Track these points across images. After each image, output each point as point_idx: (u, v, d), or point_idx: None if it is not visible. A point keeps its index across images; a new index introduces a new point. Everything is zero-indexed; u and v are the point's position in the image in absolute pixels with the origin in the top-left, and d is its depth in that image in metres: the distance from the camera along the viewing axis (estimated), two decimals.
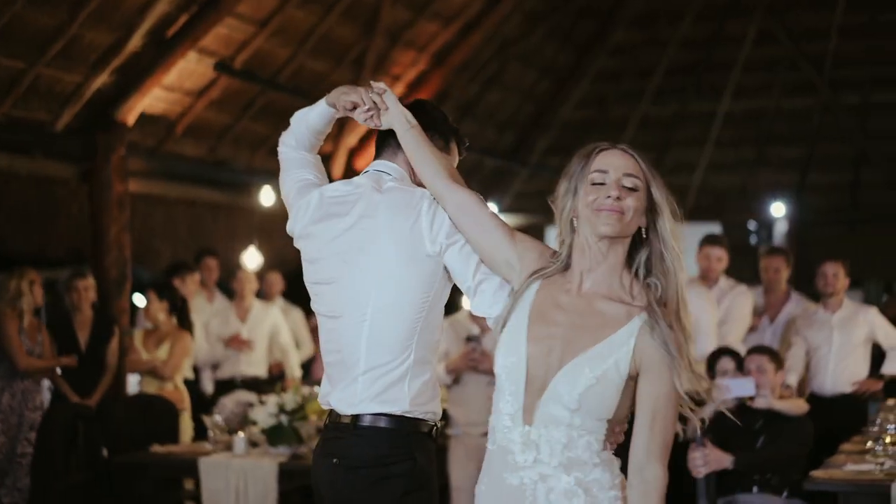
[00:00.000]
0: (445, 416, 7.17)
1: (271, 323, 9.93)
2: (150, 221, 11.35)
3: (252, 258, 9.75)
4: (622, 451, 3.18)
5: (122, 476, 7.81)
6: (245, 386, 9.48)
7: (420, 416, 3.56)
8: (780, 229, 14.90)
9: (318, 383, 8.17)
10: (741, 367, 6.93)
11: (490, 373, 6.95)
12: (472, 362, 7.17)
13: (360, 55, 11.97)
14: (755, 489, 6.44)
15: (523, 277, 3.25)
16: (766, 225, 15.25)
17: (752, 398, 6.63)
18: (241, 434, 6.84)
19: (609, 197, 3.11)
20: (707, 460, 6.31)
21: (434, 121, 3.68)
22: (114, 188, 9.78)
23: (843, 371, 8.38)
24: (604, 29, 15.00)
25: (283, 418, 6.72)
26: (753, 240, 15.42)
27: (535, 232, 15.66)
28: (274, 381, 9.54)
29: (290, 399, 6.74)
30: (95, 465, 8.07)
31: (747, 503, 6.42)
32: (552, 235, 12.69)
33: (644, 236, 3.16)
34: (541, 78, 15.07)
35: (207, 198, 12.07)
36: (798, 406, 6.71)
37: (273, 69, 11.23)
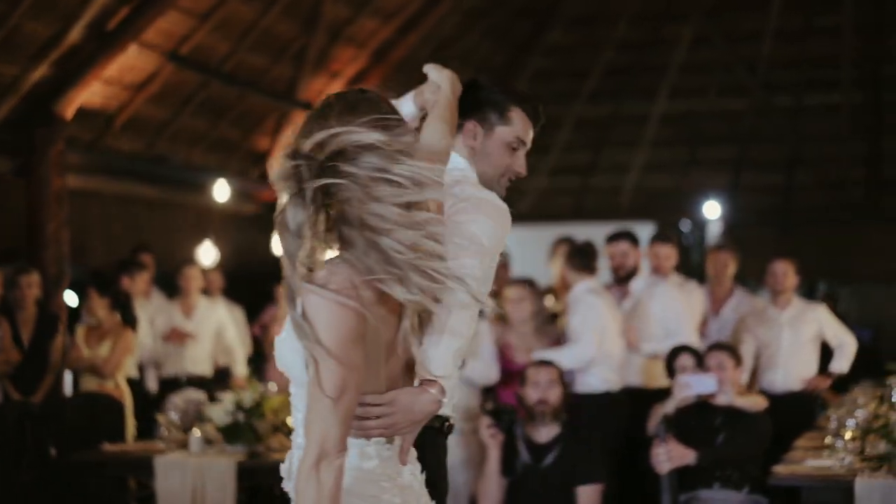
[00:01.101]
0: None
1: (217, 320, 9.79)
2: (84, 217, 11.15)
3: (207, 253, 9.57)
4: None
5: (69, 475, 7.64)
6: (190, 384, 9.34)
7: None
8: (714, 230, 15.03)
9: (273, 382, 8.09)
10: (700, 363, 6.97)
11: None
12: None
13: (300, 50, 11.87)
14: (716, 485, 6.47)
15: None
16: (700, 225, 15.40)
17: (712, 395, 6.67)
18: (196, 432, 6.71)
19: None
20: (671, 456, 6.33)
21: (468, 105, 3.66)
22: (52, 183, 9.59)
23: (792, 368, 8.47)
24: (540, 29, 15.02)
25: (240, 416, 6.61)
26: (687, 240, 15.57)
27: None
28: (220, 379, 9.42)
29: (247, 397, 6.63)
30: (44, 465, 7.89)
31: (709, 499, 6.44)
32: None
33: None
34: (476, 77, 15.02)
35: (144, 194, 11.89)
36: (757, 403, 6.76)
37: (213, 63, 11.09)
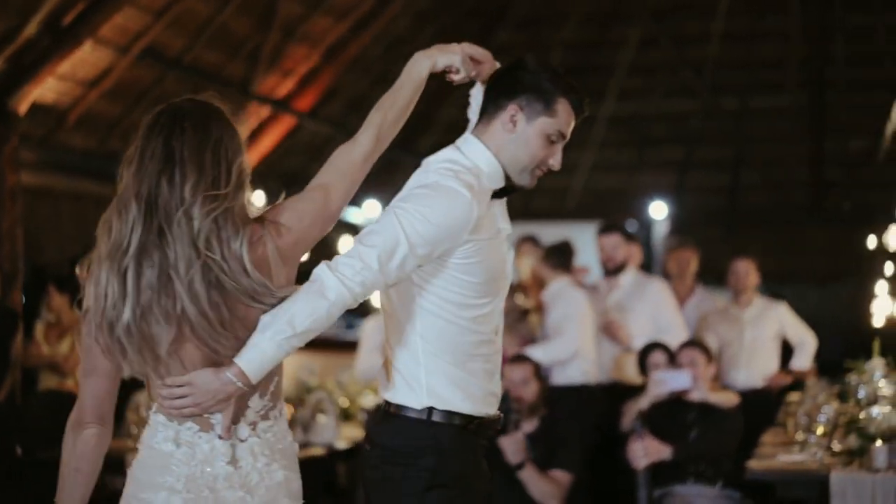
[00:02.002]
0: None
1: None
2: (34, 215, 11.01)
3: None
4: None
5: (37, 473, 7.53)
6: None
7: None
8: (661, 230, 15.18)
9: None
10: (672, 360, 7.04)
11: None
12: None
13: (255, 48, 11.81)
14: (690, 480, 6.53)
15: None
16: (646, 225, 15.55)
17: (687, 391, 6.74)
18: None
19: None
20: (647, 452, 6.39)
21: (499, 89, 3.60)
22: (7, 180, 9.44)
23: (754, 366, 8.59)
24: (488, 30, 15.05)
25: None
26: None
27: None
28: None
29: None
30: (10, 463, 7.77)
31: (683, 494, 6.50)
32: None
33: None
34: (427, 77, 15.04)
35: (94, 191, 11.75)
36: (730, 399, 6.85)
37: (168, 60, 11.00)
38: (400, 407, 3.45)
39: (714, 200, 15.66)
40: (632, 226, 15.53)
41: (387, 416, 3.48)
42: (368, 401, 7.98)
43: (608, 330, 7.90)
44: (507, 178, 3.57)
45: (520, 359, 6.75)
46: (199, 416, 3.14)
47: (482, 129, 3.58)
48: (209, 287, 3.08)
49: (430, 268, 3.40)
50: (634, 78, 15.15)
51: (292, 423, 6.96)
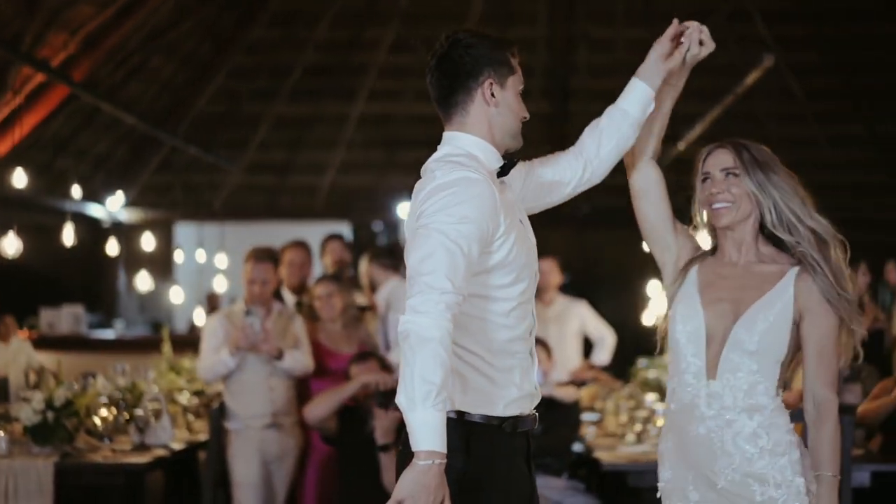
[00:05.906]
0: (224, 408, 6.93)
1: None
2: None
3: (11, 244, 8.83)
4: None
5: None
6: None
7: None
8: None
9: None
10: None
11: (273, 355, 6.79)
12: (251, 339, 6.85)
13: (17, 34, 11.26)
14: (538, 472, 6.70)
15: (679, 262, 3.80)
16: (392, 225, 15.80)
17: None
18: (0, 433, 6.30)
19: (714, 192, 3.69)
20: None
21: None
22: None
23: (559, 361, 8.88)
24: (244, 25, 14.90)
25: (50, 415, 6.26)
26: (380, 240, 15.94)
27: (162, 227, 15.32)
28: None
29: (58, 394, 6.29)
30: None
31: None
32: (181, 232, 12.81)
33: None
34: (179, 70, 14.78)
35: None
36: (572, 394, 7.09)
37: None
38: None
39: None
40: (377, 226, 15.77)
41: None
42: (183, 399, 7.78)
43: None
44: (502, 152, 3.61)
45: (365, 355, 6.84)
46: None
47: (460, 122, 3.63)
48: None
49: None
50: (385, 79, 15.32)
51: (125, 425, 6.73)
